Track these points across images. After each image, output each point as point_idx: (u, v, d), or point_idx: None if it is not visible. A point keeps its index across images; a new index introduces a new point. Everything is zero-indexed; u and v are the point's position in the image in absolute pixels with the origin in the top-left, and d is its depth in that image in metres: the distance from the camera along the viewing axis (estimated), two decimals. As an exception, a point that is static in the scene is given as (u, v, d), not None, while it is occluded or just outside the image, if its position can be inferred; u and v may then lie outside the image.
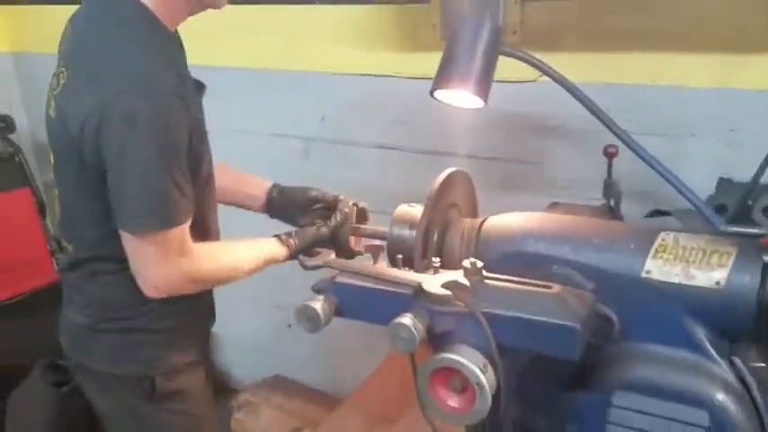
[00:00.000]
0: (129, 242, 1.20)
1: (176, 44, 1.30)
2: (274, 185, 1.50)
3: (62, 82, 1.21)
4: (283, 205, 1.47)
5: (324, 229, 1.37)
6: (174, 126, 1.15)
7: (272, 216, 1.50)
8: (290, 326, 2.42)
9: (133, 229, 1.19)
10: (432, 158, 1.89)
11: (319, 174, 2.17)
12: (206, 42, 1.69)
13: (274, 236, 1.37)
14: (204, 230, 1.34)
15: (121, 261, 1.25)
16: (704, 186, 1.49)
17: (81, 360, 1.39)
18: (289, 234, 1.37)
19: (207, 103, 1.32)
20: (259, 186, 1.50)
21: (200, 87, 1.35)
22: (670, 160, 1.38)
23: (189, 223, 1.22)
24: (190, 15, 1.28)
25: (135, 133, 1.12)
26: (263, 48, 2.17)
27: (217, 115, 1.42)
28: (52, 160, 1.32)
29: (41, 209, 2.72)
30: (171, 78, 1.17)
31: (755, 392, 1.03)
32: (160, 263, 1.20)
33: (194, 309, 1.39)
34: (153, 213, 1.17)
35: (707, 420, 1.00)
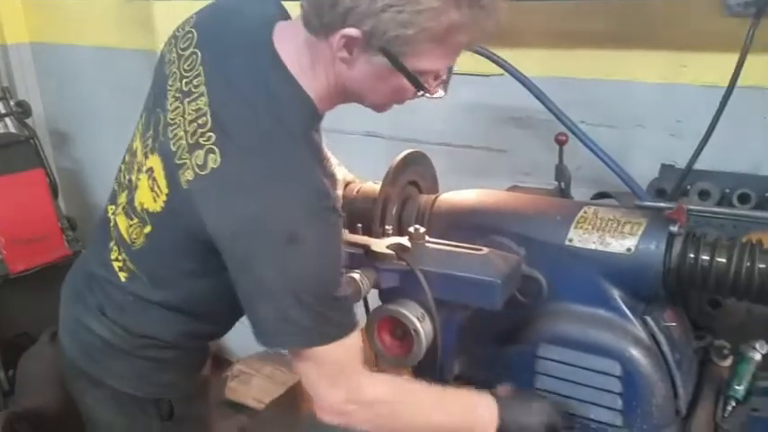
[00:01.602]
0: (293, 360, 1.07)
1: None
2: None
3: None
4: None
5: None
6: (338, 239, 1.03)
7: None
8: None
9: (289, 346, 1.05)
10: (411, 146, 2.02)
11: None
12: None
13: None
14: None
15: (191, 315, 1.18)
16: (651, 173, 1.61)
17: (91, 371, 1.25)
18: None
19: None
20: None
21: None
22: (619, 149, 1.52)
23: (358, 337, 1.07)
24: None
25: (292, 255, 0.98)
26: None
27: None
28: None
29: (54, 189, 2.89)
30: (324, 184, 1.02)
31: (665, 348, 1.17)
32: (325, 382, 1.06)
33: (200, 334, 1.29)
34: (306, 331, 1.01)
35: (619, 370, 1.14)
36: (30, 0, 3.09)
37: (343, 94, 1.07)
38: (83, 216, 3.10)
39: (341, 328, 1.02)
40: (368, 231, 1.32)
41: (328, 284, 1.00)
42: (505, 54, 1.42)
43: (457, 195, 1.39)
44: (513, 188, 1.66)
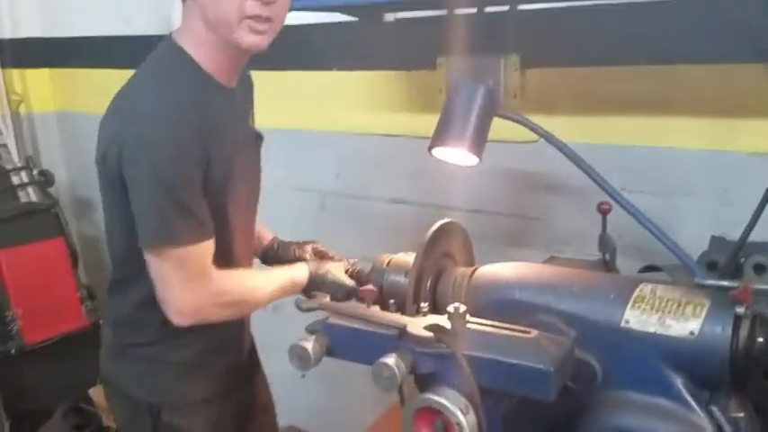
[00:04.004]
0: (150, 264, 1.26)
1: (215, 90, 1.31)
2: (273, 239, 1.61)
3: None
4: (276, 259, 1.57)
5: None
6: (179, 152, 1.21)
7: (264, 263, 1.60)
8: (303, 376, 2.46)
9: (143, 243, 1.24)
10: (439, 212, 1.95)
11: (334, 225, 2.29)
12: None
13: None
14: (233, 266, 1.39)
15: (145, 284, 1.30)
16: (699, 244, 1.52)
17: (109, 373, 1.47)
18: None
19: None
20: (261, 237, 1.60)
21: (258, 138, 1.49)
22: (665, 218, 1.45)
23: (208, 248, 1.27)
24: (235, 62, 1.31)
25: (144, 156, 1.19)
26: (286, 109, 2.31)
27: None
28: None
29: (74, 258, 2.86)
30: (187, 113, 1.23)
31: (733, 442, 1.05)
32: (181, 286, 1.24)
33: (212, 345, 1.43)
34: (156, 229, 1.23)
35: (686, 469, 1.02)
36: (57, 71, 3.15)
37: (215, 33, 1.24)
38: (103, 284, 3.04)
39: (193, 233, 1.23)
40: (400, 307, 1.24)
41: (175, 190, 1.21)
42: (540, 120, 1.37)
43: (496, 268, 1.30)
44: (553, 259, 1.58)
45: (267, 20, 1.21)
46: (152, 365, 1.41)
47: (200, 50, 1.27)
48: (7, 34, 3.06)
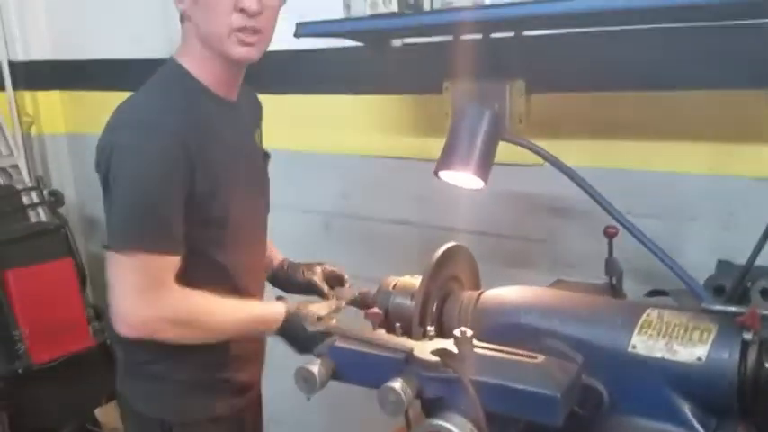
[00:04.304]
0: (109, 265, 1.25)
1: (212, 100, 1.35)
2: (284, 260, 1.62)
3: None
4: (286, 280, 1.58)
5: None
6: (158, 156, 1.23)
7: (274, 285, 1.61)
8: (308, 399, 2.45)
9: (108, 242, 1.24)
10: (445, 234, 1.97)
11: (339, 246, 2.31)
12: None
13: (278, 298, 1.42)
14: (231, 288, 1.37)
15: None
16: (704, 268, 1.52)
17: (121, 391, 1.48)
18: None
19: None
20: (271, 258, 1.61)
21: (265, 156, 1.53)
22: (670, 242, 1.44)
23: (171, 263, 1.25)
24: (230, 74, 1.35)
25: (125, 159, 1.23)
26: (293, 131, 2.33)
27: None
28: None
29: (82, 279, 2.86)
30: (171, 118, 1.26)
31: (741, 469, 1.05)
32: (134, 294, 1.22)
33: (215, 361, 1.42)
34: (123, 230, 1.24)
35: (693, 496, 1.01)
36: (68, 93, 3.20)
37: (208, 48, 1.30)
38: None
39: (159, 242, 1.22)
40: (406, 331, 1.24)
41: (149, 194, 1.22)
42: (545, 144, 1.38)
43: (503, 292, 1.30)
44: (559, 282, 1.58)
45: (255, 31, 1.27)
46: (159, 383, 1.41)
47: (198, 65, 1.33)
48: (20, 57, 3.11)
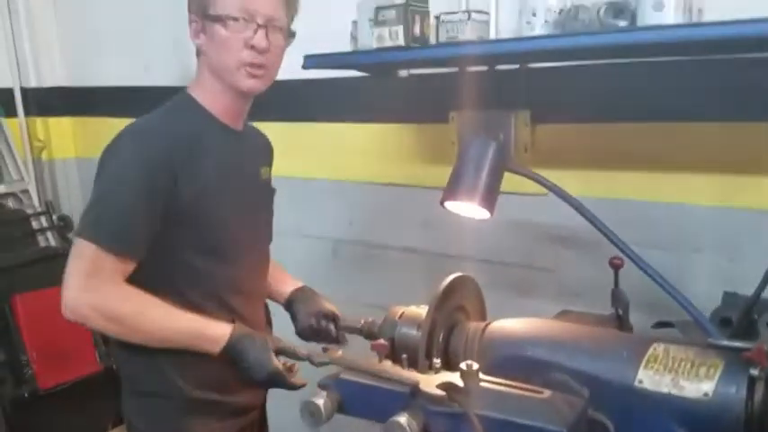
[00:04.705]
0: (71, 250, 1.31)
1: (217, 126, 1.42)
2: (303, 287, 1.62)
3: None
4: (298, 307, 1.58)
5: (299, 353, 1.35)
6: (142, 167, 1.30)
7: (288, 311, 1.61)
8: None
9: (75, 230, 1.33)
10: (450, 262, 1.98)
11: (346, 272, 2.31)
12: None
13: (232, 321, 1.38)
14: (217, 304, 1.40)
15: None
16: (711, 299, 1.51)
17: (125, 411, 1.49)
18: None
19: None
20: (290, 284, 1.63)
21: (269, 189, 1.59)
22: (675, 273, 1.44)
23: (122, 265, 1.28)
24: (237, 104, 1.43)
25: (109, 162, 1.33)
26: (301, 159, 2.36)
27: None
28: None
29: (90, 302, 2.88)
30: (168, 135, 1.34)
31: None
32: (77, 279, 1.27)
33: (215, 382, 1.41)
34: (86, 221, 1.30)
35: None
36: (79, 119, 3.25)
37: (219, 79, 1.39)
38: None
39: (114, 241, 1.27)
40: (412, 362, 1.24)
41: (119, 195, 1.29)
42: (550, 174, 1.39)
43: (509, 324, 1.30)
44: (565, 313, 1.58)
45: (262, 66, 1.37)
46: (158, 401, 1.42)
47: (207, 96, 1.42)
48: (32, 83, 3.16)
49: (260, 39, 1.33)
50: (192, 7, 1.38)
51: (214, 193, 1.38)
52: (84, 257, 1.28)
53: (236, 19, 1.32)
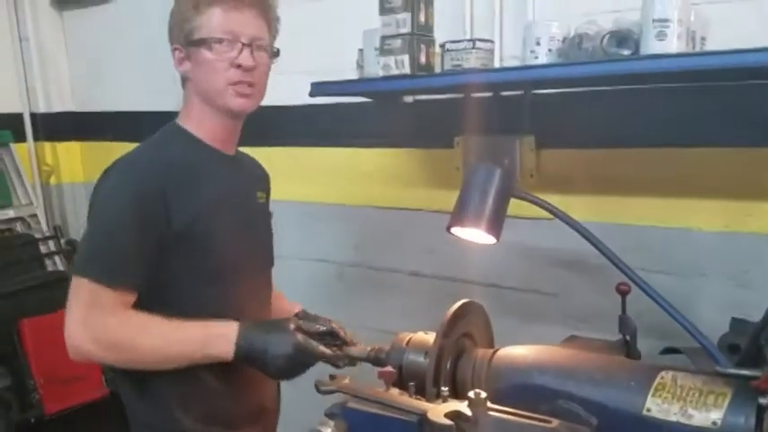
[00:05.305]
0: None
1: (207, 151, 1.42)
2: (302, 311, 1.61)
3: None
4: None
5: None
6: (132, 201, 1.29)
7: None
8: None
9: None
10: (456, 286, 1.99)
11: (352, 296, 2.32)
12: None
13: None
14: None
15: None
16: (718, 325, 1.51)
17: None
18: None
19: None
20: (292, 307, 1.62)
21: (266, 213, 1.58)
22: (683, 299, 1.45)
23: (121, 296, 1.26)
24: (228, 128, 1.43)
25: (100, 197, 1.33)
26: (306, 183, 2.38)
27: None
28: None
29: (97, 326, 2.88)
30: (158, 165, 1.34)
31: None
32: (77, 318, 1.25)
33: (218, 416, 1.41)
34: (80, 259, 1.30)
35: None
36: (87, 144, 3.29)
37: (208, 103, 1.40)
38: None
39: (109, 275, 1.26)
40: (420, 390, 1.24)
41: (110, 229, 1.29)
42: (556, 199, 1.40)
43: (516, 352, 1.30)
44: (573, 338, 1.58)
45: (250, 85, 1.38)
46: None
47: (196, 123, 1.42)
48: (41, 109, 3.20)
49: (245, 57, 1.35)
50: (174, 37, 1.40)
51: (209, 217, 1.37)
52: (81, 294, 1.27)
53: (220, 41, 1.34)
